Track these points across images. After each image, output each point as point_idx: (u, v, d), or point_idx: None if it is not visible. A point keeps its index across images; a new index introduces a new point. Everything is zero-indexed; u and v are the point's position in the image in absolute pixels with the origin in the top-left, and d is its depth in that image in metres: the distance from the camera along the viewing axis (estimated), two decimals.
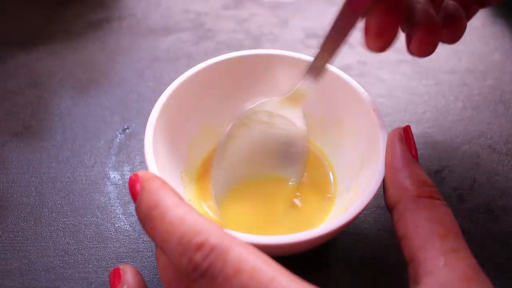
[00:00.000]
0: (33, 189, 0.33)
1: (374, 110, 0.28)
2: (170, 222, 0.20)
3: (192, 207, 0.21)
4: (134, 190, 0.23)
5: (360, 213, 0.24)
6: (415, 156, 0.25)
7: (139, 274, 0.25)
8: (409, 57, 0.43)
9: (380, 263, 0.30)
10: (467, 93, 0.40)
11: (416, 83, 0.41)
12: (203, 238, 0.20)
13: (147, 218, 0.21)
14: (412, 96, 0.40)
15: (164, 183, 0.23)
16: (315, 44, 0.43)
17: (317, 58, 0.28)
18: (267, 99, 0.30)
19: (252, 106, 0.30)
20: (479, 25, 0.46)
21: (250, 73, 0.32)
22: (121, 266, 0.25)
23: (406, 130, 0.26)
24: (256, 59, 0.32)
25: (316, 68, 0.28)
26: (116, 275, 0.25)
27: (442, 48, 0.44)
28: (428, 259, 0.21)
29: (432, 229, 0.22)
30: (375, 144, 0.27)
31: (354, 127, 0.30)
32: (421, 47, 0.27)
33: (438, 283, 0.20)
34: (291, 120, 0.30)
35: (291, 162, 0.30)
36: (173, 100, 0.29)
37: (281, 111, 0.30)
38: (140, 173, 0.23)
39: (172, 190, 0.22)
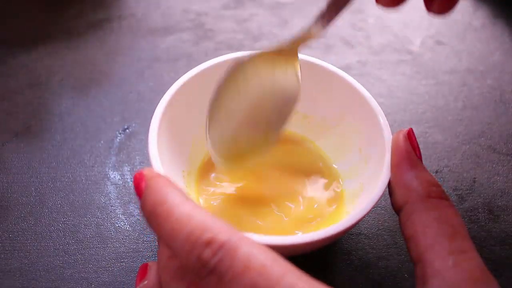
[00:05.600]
0: (33, 189, 0.33)
1: (378, 112, 0.28)
2: (178, 219, 0.20)
3: (198, 205, 0.21)
4: (139, 187, 0.22)
5: (366, 215, 0.24)
6: (419, 157, 0.25)
7: None
8: (409, 57, 0.43)
9: (380, 263, 0.30)
10: (467, 93, 0.40)
11: (416, 83, 0.41)
12: (211, 234, 0.19)
13: (153, 215, 0.21)
14: (412, 96, 0.40)
15: (169, 181, 0.22)
16: (315, 44, 0.43)
17: (331, 4, 0.26)
18: (260, 50, 0.28)
19: (242, 56, 0.27)
20: (479, 25, 0.46)
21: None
22: (150, 263, 0.25)
23: (410, 132, 0.26)
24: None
25: (327, 15, 0.27)
26: (143, 270, 0.25)
27: (442, 48, 0.44)
28: (436, 259, 0.21)
29: (440, 229, 0.22)
30: (379, 145, 0.27)
31: (357, 128, 0.30)
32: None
33: (446, 284, 0.21)
34: (288, 74, 0.29)
35: (279, 116, 0.29)
36: (177, 99, 0.29)
37: (278, 63, 0.28)
38: (145, 171, 0.23)
39: (178, 188, 0.22)
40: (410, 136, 0.26)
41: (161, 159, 0.26)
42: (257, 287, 0.18)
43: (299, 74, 0.28)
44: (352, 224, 0.24)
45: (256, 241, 0.20)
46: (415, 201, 0.23)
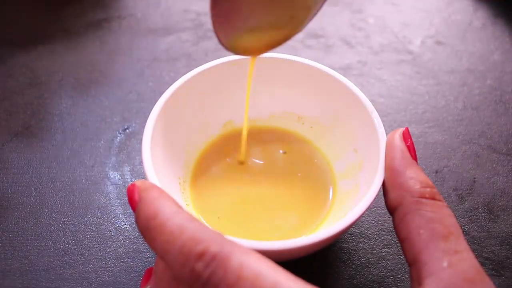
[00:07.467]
0: (33, 189, 0.33)
1: (372, 112, 0.28)
2: (170, 232, 0.20)
3: (191, 215, 0.21)
4: (132, 200, 0.23)
5: (361, 216, 0.24)
6: (414, 158, 0.25)
7: None
8: (409, 57, 0.43)
9: (380, 263, 0.30)
10: (467, 93, 0.40)
11: (416, 83, 0.41)
12: (203, 246, 0.19)
13: (147, 229, 0.21)
14: (412, 96, 0.40)
15: (162, 192, 0.22)
16: (315, 44, 0.43)
17: None
18: None
19: None
20: (480, 25, 0.46)
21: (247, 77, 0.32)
22: (154, 268, 0.25)
23: (405, 132, 0.26)
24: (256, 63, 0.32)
25: None
26: (148, 274, 0.25)
27: (442, 48, 0.44)
28: (431, 260, 0.21)
29: (434, 231, 0.22)
30: (374, 146, 0.27)
31: (353, 129, 0.30)
32: None
33: (441, 284, 0.21)
34: None
35: None
36: (170, 105, 0.29)
37: None
38: (138, 183, 0.23)
39: (170, 198, 0.22)
40: (405, 135, 0.26)
41: (156, 167, 0.26)
42: None
43: None
44: (346, 227, 0.24)
45: (250, 248, 0.20)
46: (408, 202, 0.23)
